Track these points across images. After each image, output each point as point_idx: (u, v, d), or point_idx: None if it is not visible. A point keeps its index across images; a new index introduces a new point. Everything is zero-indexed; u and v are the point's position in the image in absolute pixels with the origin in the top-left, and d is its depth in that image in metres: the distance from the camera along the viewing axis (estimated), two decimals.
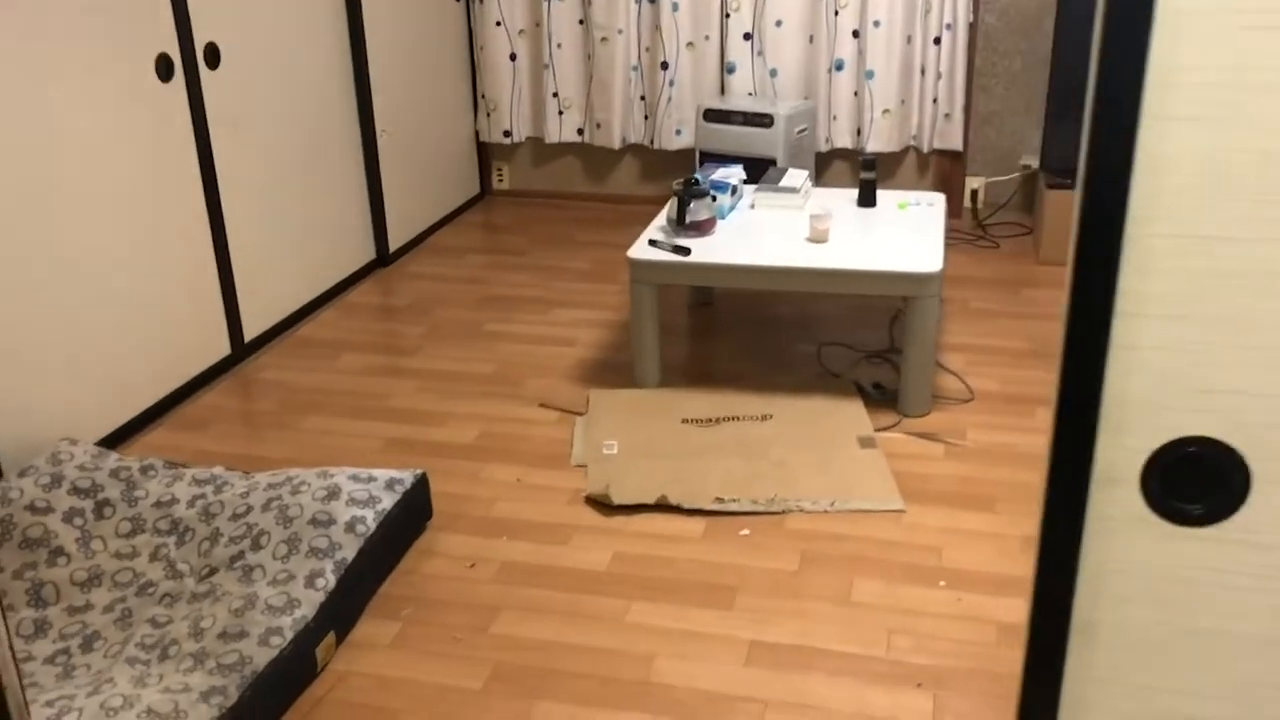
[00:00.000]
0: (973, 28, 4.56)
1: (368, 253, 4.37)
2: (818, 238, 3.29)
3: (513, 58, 5.00)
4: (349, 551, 2.40)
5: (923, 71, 4.63)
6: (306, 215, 3.93)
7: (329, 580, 2.32)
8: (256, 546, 2.41)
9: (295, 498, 2.50)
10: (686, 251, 3.22)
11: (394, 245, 4.50)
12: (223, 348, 3.53)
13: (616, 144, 4.97)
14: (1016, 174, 4.75)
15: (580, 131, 5.07)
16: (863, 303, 3.98)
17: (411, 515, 2.64)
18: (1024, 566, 2.52)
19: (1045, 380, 3.40)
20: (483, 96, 5.08)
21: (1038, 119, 4.63)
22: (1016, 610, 2.37)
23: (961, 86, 4.62)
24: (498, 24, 4.94)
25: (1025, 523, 2.68)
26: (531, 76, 5.04)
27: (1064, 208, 4.29)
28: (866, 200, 3.62)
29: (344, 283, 4.20)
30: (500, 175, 5.32)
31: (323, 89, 3.98)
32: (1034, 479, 2.87)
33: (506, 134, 5.11)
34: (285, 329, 3.85)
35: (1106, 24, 0.88)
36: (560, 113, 5.04)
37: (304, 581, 2.31)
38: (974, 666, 2.22)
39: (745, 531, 2.66)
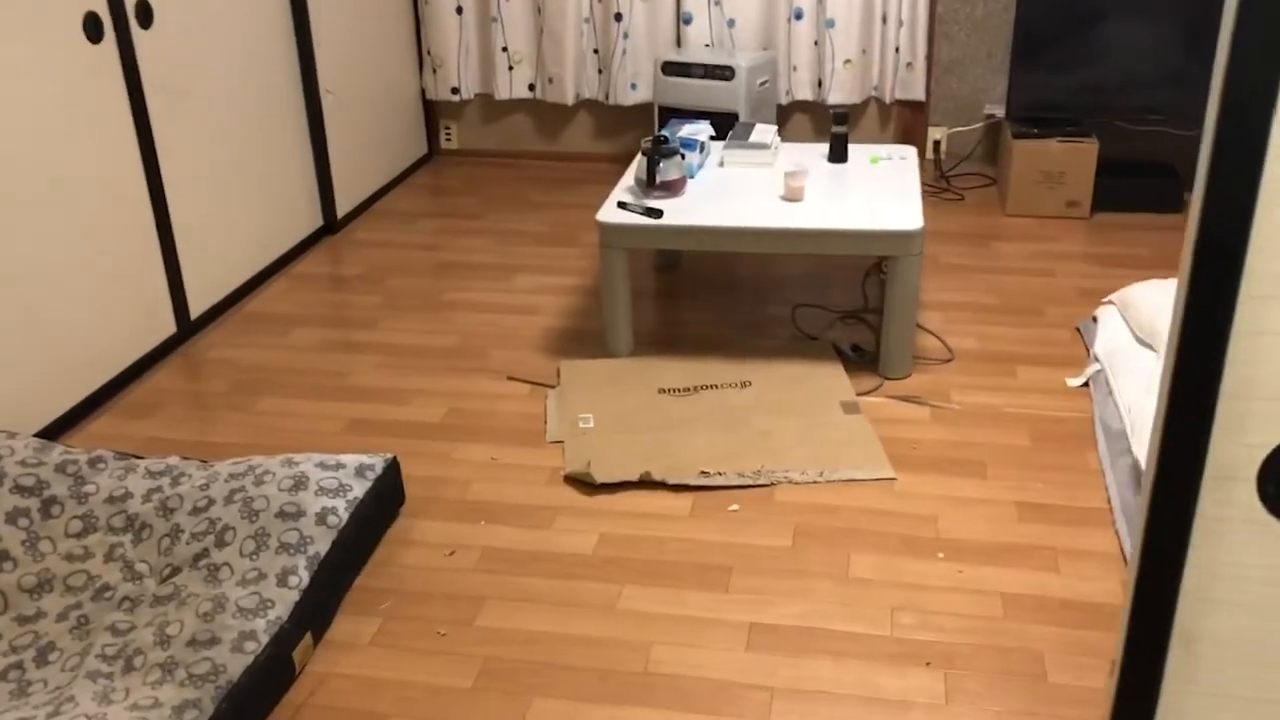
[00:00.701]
0: None
1: (315, 220, 4.17)
2: (793, 196, 3.18)
3: (459, 11, 4.78)
4: (322, 545, 2.26)
5: (884, 19, 4.51)
6: (250, 182, 3.72)
7: (303, 578, 2.18)
8: (221, 543, 2.25)
9: (260, 489, 2.34)
10: (659, 214, 3.09)
11: (341, 211, 4.30)
12: (168, 326, 3.33)
13: (570, 100, 4.79)
14: (980, 124, 4.67)
15: (531, 87, 4.88)
16: (832, 261, 3.88)
17: (384, 502, 2.49)
18: (1022, 535, 2.45)
19: (1023, 337, 3.34)
20: (428, 52, 4.87)
21: (1001, 67, 4.54)
22: (1019, 582, 2.30)
23: (923, 34, 4.51)
24: None
25: (1018, 488, 2.61)
26: (479, 30, 4.84)
27: (1030, 158, 4.21)
28: (838, 155, 3.51)
29: (291, 253, 4.00)
30: (448, 134, 5.12)
31: (262, 48, 3.75)
32: (1023, 442, 2.80)
33: (454, 91, 4.90)
34: (232, 304, 3.65)
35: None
36: (510, 68, 4.84)
37: (276, 580, 2.16)
38: (982, 643, 2.14)
39: (734, 507, 2.56)
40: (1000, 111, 4.54)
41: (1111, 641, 2.13)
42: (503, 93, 4.87)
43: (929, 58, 4.57)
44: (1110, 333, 3.16)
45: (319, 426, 2.95)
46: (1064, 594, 2.27)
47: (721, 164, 3.50)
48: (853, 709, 1.99)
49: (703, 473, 2.66)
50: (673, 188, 3.22)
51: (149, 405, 3.07)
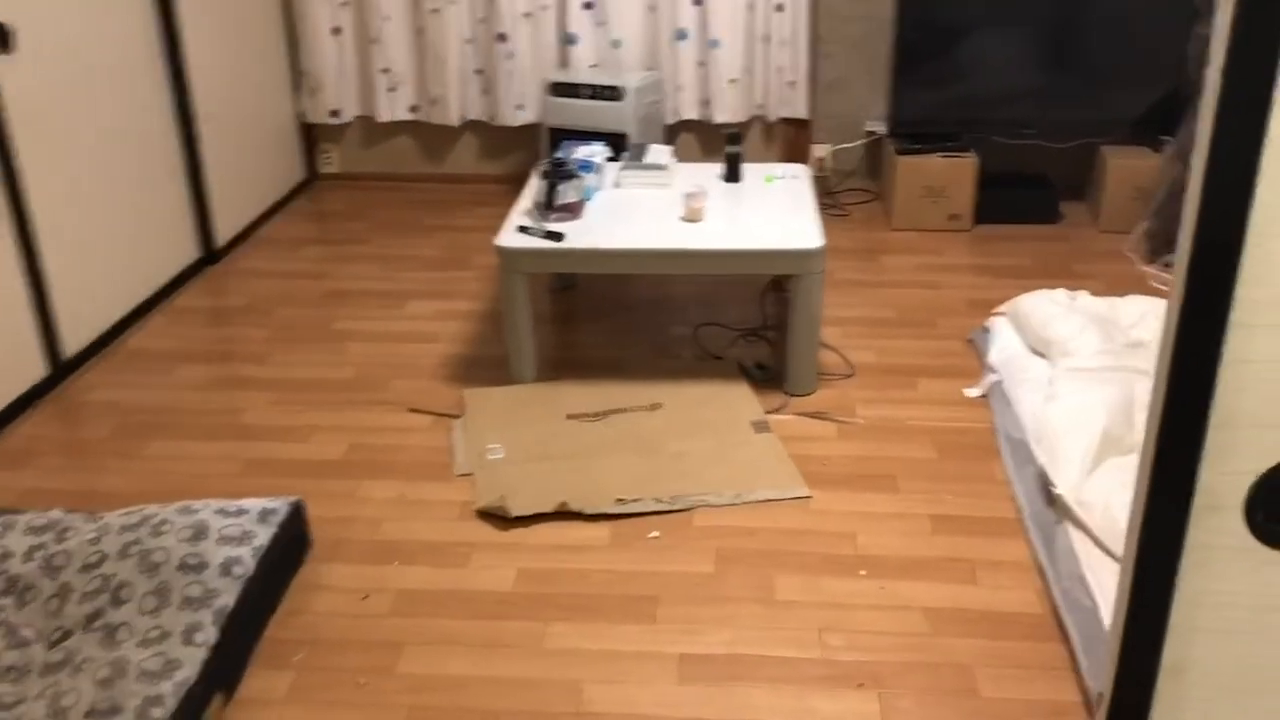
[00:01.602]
0: None
1: (194, 250, 3.99)
2: (692, 216, 3.17)
3: (336, 32, 4.65)
4: (228, 597, 2.14)
5: (766, 39, 4.56)
6: (124, 212, 3.53)
7: (210, 633, 2.06)
8: (117, 601, 2.11)
9: (157, 540, 2.21)
10: (560, 237, 3.04)
11: (221, 240, 4.12)
12: (38, 368, 3.13)
13: (454, 121, 4.71)
14: (862, 141, 4.75)
15: (414, 109, 4.78)
16: (728, 279, 3.89)
17: (291, 548, 2.38)
18: (938, 548, 2.48)
19: (919, 349, 3.39)
20: (305, 74, 4.72)
21: (880, 85, 4.63)
22: (940, 595, 2.33)
23: (805, 53, 4.58)
24: None
25: (930, 501, 2.65)
26: (358, 52, 4.71)
27: (913, 173, 4.31)
28: (733, 175, 3.52)
29: (171, 285, 3.82)
30: (328, 158, 4.97)
31: (132, 72, 3.57)
32: (930, 455, 2.84)
33: (334, 114, 4.77)
34: (110, 341, 3.46)
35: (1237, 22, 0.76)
36: (391, 89, 4.73)
37: (181, 637, 2.04)
38: (910, 659, 2.16)
39: (655, 534, 2.53)
40: (881, 128, 4.64)
41: (1035, 651, 2.17)
42: (384, 115, 4.76)
43: (811, 76, 4.64)
44: (1003, 343, 3.24)
45: (213, 469, 2.81)
46: (984, 605, 2.30)
47: (618, 185, 3.48)
48: None
49: (619, 500, 2.62)
50: (572, 210, 3.18)
51: (23, 454, 2.88)
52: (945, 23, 4.26)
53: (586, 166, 3.34)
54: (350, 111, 4.80)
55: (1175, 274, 0.84)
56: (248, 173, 4.35)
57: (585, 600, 2.32)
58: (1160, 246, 4.01)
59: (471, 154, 4.93)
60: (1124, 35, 4.22)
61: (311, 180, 4.97)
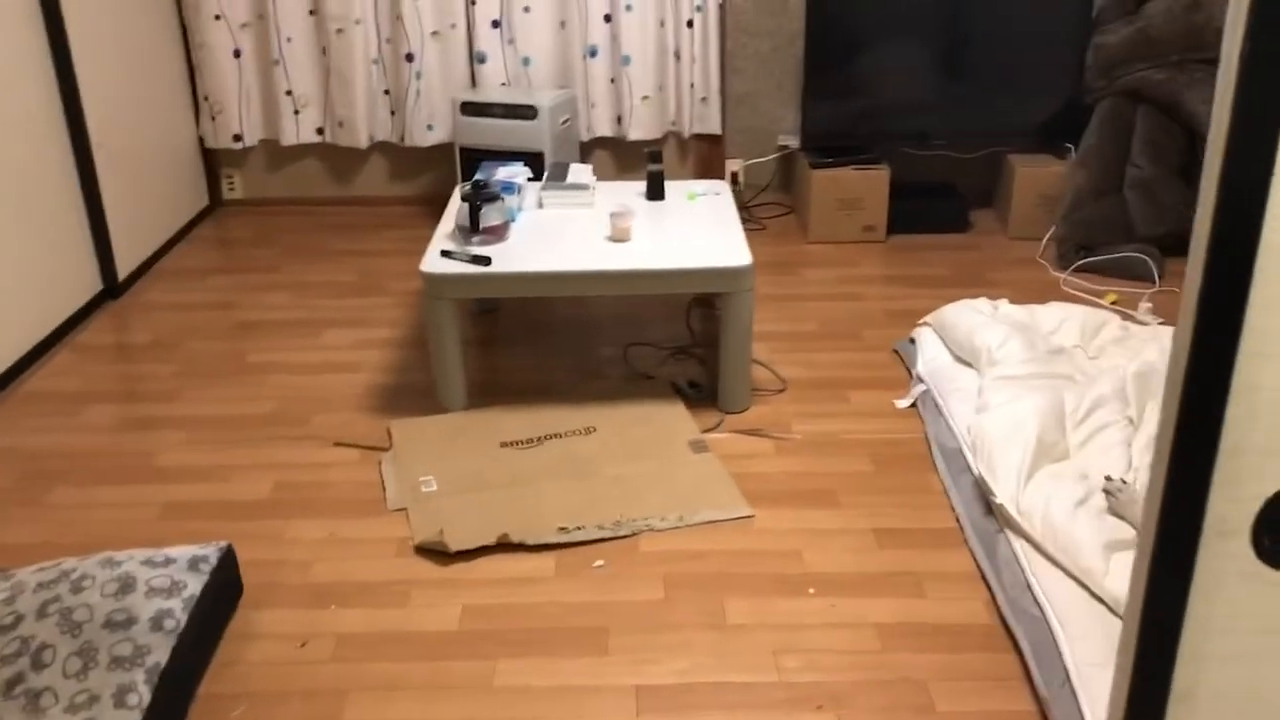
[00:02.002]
0: (722, 9, 4.52)
1: (94, 283, 3.81)
2: (620, 236, 3.13)
3: (237, 55, 4.51)
4: (160, 654, 2.02)
5: (677, 56, 4.56)
6: (18, 246, 3.36)
7: (143, 694, 1.95)
8: (39, 665, 1.98)
9: (79, 597, 2.08)
10: (487, 261, 2.98)
11: (123, 272, 3.95)
12: None
13: (363, 143, 4.61)
14: (775, 155, 4.78)
15: (320, 131, 4.66)
16: (653, 296, 3.87)
17: (222, 596, 2.27)
18: (884, 563, 2.48)
19: (846, 362, 3.41)
20: (205, 98, 4.57)
21: (790, 99, 4.67)
22: (889, 610, 2.33)
23: (716, 69, 4.59)
24: (217, 18, 4.43)
25: (872, 515, 2.65)
26: (260, 74, 4.58)
27: (827, 186, 4.35)
28: (655, 193, 3.50)
29: (71, 321, 3.64)
30: (231, 184, 4.81)
31: (23, 101, 3.40)
32: (867, 468, 2.85)
33: (236, 138, 4.62)
34: (8, 383, 3.28)
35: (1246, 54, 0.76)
36: (296, 112, 4.61)
37: (112, 700, 1.92)
38: (865, 678, 2.14)
39: (600, 563, 2.48)
40: (794, 142, 4.67)
41: (987, 662, 2.18)
42: (290, 138, 4.63)
43: (722, 92, 4.65)
44: (930, 353, 3.27)
45: (129, 516, 2.67)
46: (933, 619, 2.30)
47: (541, 206, 3.43)
48: None
49: (562, 529, 2.56)
50: (497, 233, 3.12)
51: None
52: (851, 36, 4.32)
53: (509, 188, 3.29)
54: (254, 135, 4.66)
55: (1184, 303, 0.83)
56: (148, 201, 4.18)
57: (533, 635, 2.26)
58: (1069, 252, 4.11)
59: (381, 176, 4.83)
60: (1023, 45, 4.32)
61: (215, 207, 4.81)
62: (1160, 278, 3.93)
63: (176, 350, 3.54)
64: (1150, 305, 3.67)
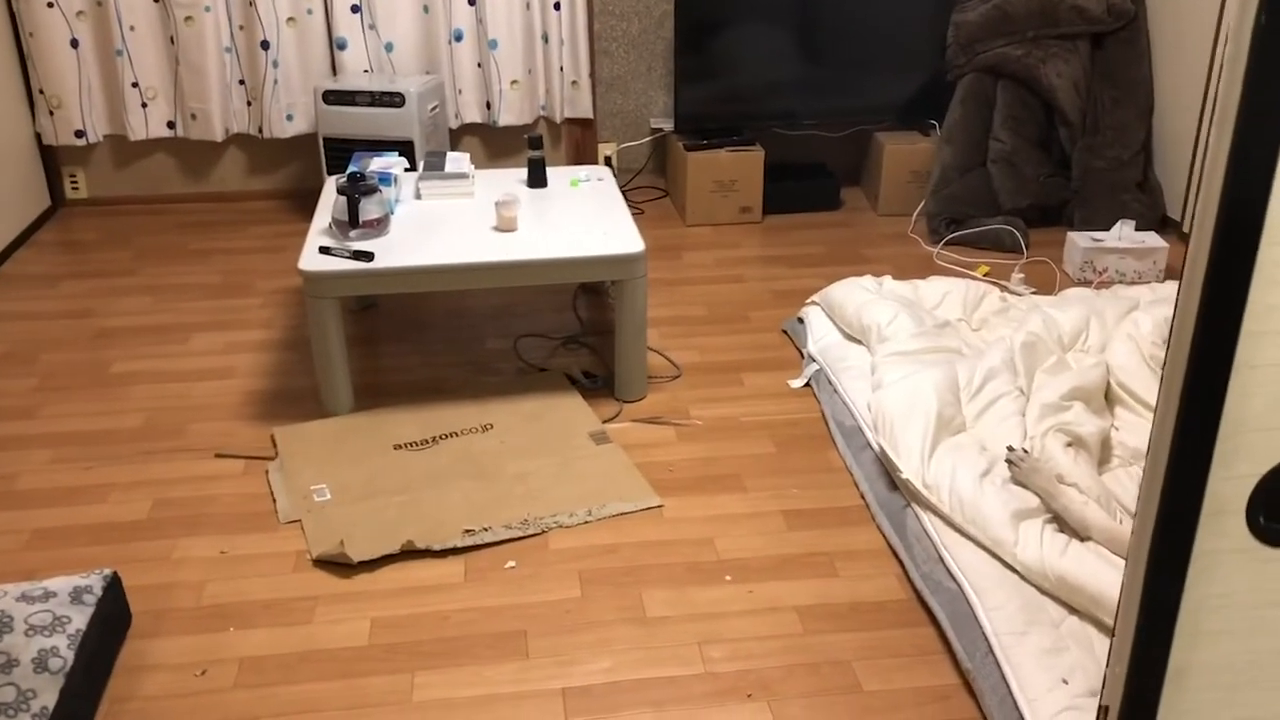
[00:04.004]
0: None
1: None
2: (506, 226, 3.05)
3: (74, 45, 4.22)
4: (47, 697, 1.87)
5: (545, 39, 4.48)
6: None
7: None
8: None
9: None
10: (370, 256, 2.85)
11: None
12: None
13: (218, 136, 4.38)
14: (648, 138, 4.75)
15: (171, 125, 4.41)
16: (539, 286, 3.79)
17: (110, 628, 2.12)
18: (795, 544, 2.48)
19: (737, 344, 3.41)
20: (41, 92, 4.26)
21: (661, 81, 4.64)
22: (806, 592, 2.33)
23: (585, 52, 4.52)
24: (50, 5, 4.13)
25: (778, 497, 2.65)
26: (101, 65, 4.30)
27: (703, 169, 4.34)
28: (537, 180, 3.42)
29: None
30: (75, 182, 4.52)
31: None
32: (769, 450, 2.85)
33: (79, 134, 4.33)
34: None
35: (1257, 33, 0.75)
36: (144, 105, 4.35)
37: None
38: (791, 662, 2.14)
39: (511, 564, 2.41)
40: (667, 125, 4.65)
41: (907, 637, 2.20)
42: (138, 133, 4.37)
43: (592, 75, 4.59)
44: (820, 333, 3.30)
45: None
46: (849, 597, 2.31)
47: (419, 197, 3.31)
48: None
49: (467, 531, 2.48)
50: (376, 227, 3.00)
51: None
52: (719, 17, 4.31)
53: (385, 179, 3.16)
54: (98, 131, 4.38)
55: (1185, 283, 0.82)
56: None
57: (449, 644, 2.18)
58: (940, 227, 4.20)
59: (239, 170, 4.61)
60: (885, 24, 4.39)
61: (57, 207, 4.51)
62: (1027, 248, 4.06)
63: (31, 363, 3.29)
64: (1023, 276, 3.78)
